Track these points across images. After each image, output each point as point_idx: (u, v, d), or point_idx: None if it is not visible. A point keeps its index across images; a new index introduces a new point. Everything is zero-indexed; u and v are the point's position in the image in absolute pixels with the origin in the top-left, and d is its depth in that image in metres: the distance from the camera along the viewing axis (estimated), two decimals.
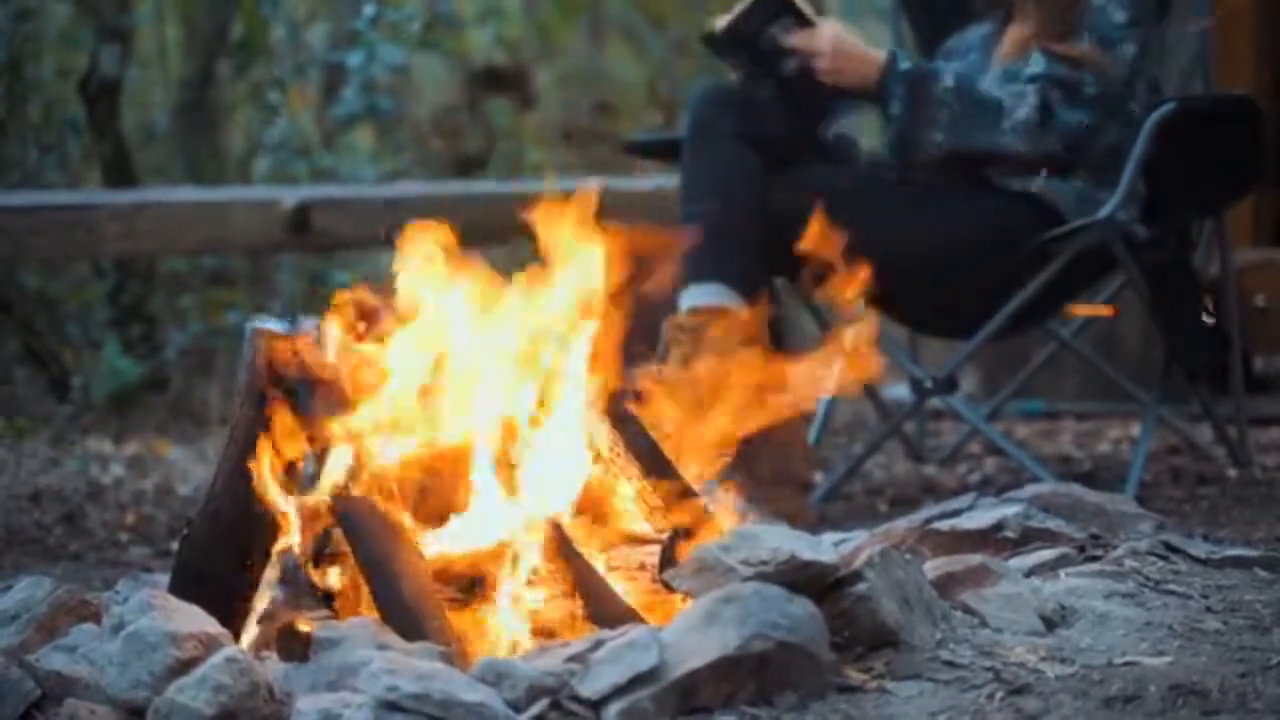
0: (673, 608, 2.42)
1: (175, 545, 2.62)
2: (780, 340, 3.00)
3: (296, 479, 2.49)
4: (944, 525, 2.83)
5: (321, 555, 2.48)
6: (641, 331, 2.59)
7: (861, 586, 2.34)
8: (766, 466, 3.25)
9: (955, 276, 3.88)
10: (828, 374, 2.62)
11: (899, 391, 5.08)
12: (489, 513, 2.46)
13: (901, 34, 4.46)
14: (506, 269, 2.57)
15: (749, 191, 3.85)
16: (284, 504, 2.48)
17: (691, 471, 2.56)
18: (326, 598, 2.46)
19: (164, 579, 2.61)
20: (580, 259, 2.54)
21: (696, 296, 3.72)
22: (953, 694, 2.22)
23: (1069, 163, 3.83)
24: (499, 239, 3.83)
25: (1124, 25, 3.84)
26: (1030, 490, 3.00)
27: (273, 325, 2.49)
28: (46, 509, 4.30)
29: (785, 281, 4.15)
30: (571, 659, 2.18)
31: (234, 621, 2.46)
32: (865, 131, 4.37)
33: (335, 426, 2.44)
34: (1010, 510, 2.86)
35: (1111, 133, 3.84)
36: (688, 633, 2.18)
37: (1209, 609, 2.54)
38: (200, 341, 6.04)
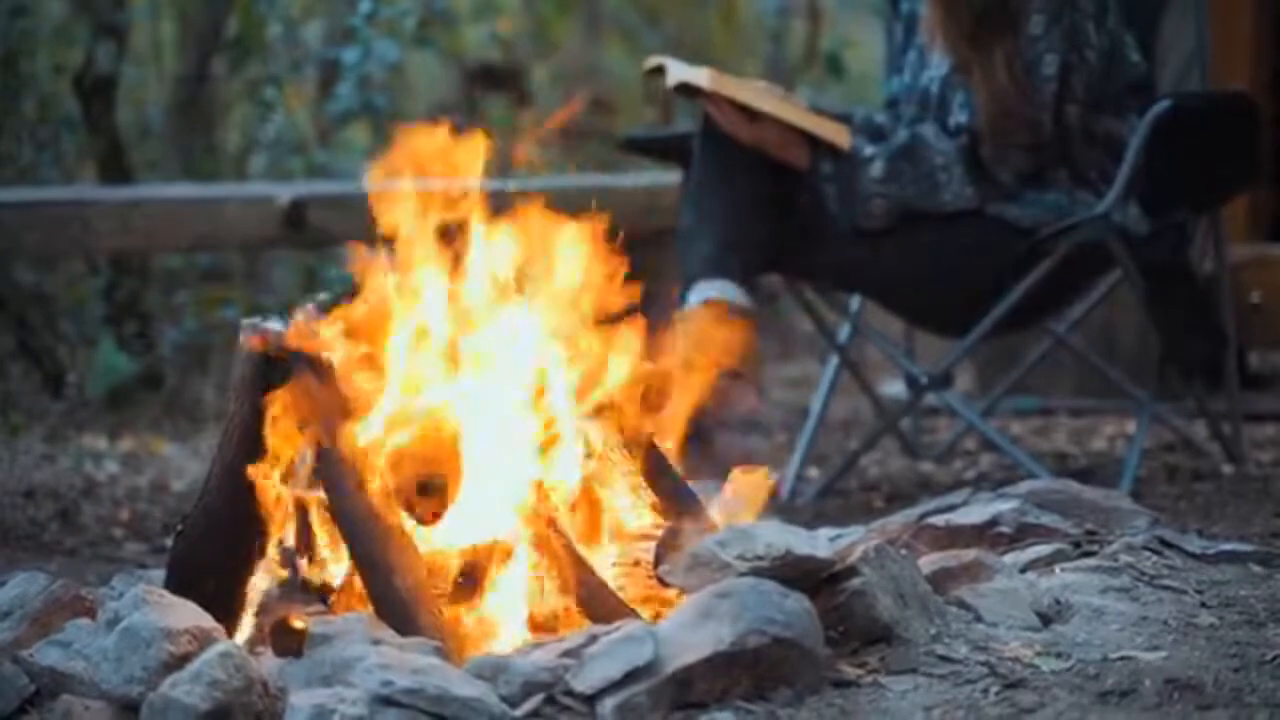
0: (668, 603, 2.42)
1: (170, 541, 2.61)
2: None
3: (291, 474, 2.49)
4: (939, 521, 2.83)
5: (316, 550, 2.48)
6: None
7: (856, 582, 2.34)
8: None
9: (950, 291, 3.92)
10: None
11: (895, 388, 5.08)
12: (484, 508, 2.46)
13: (894, 34, 4.45)
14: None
15: (753, 191, 3.87)
16: (279, 498, 2.48)
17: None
18: (321, 593, 2.46)
19: (159, 575, 2.61)
20: (577, 257, 2.54)
21: (707, 291, 3.76)
22: (947, 688, 2.22)
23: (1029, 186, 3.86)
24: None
25: (1041, 35, 3.84)
26: (1025, 486, 3.01)
27: (274, 325, 2.48)
28: (41, 505, 4.30)
29: (781, 280, 4.17)
30: (566, 654, 2.18)
31: (228, 617, 2.45)
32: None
33: (330, 420, 2.44)
34: (1005, 506, 2.86)
35: (1064, 148, 3.85)
36: (683, 628, 2.18)
37: (1204, 604, 2.55)
38: (195, 338, 6.03)
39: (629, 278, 2.55)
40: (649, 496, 2.48)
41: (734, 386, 3.49)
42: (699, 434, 2.63)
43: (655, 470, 2.49)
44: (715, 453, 2.65)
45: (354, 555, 2.41)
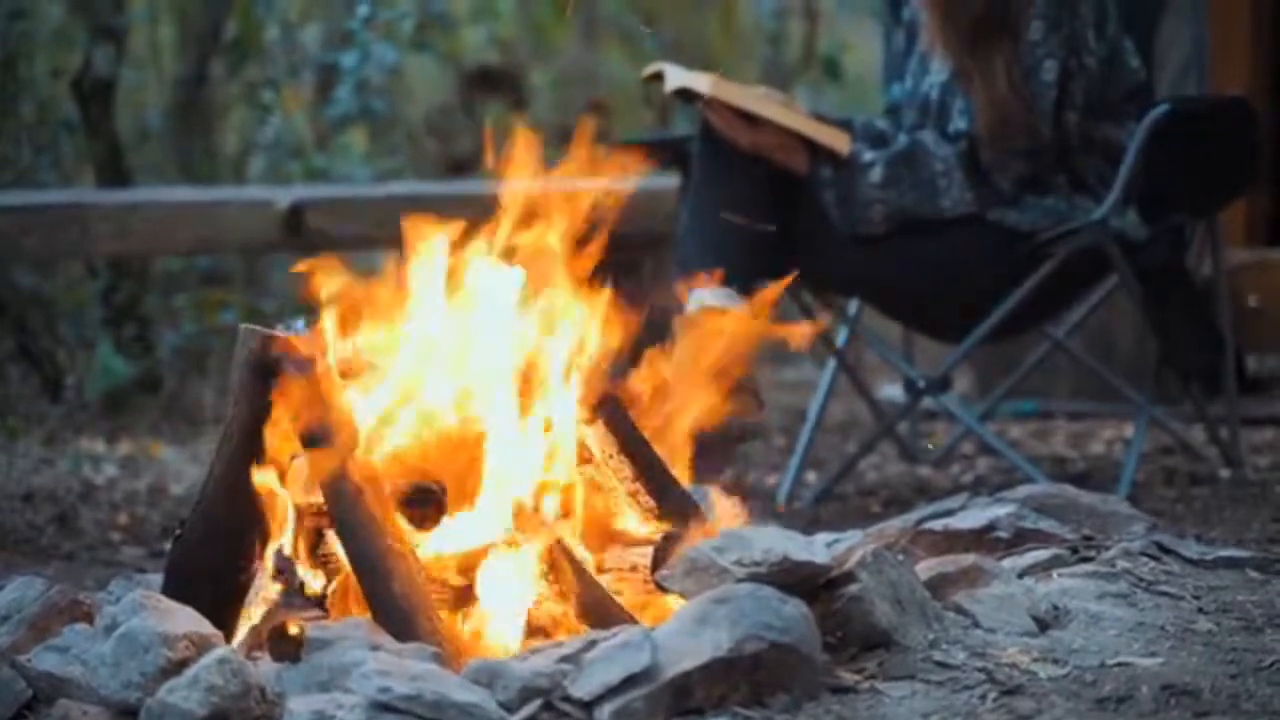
0: (666, 609, 2.42)
1: (168, 546, 2.61)
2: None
3: (290, 479, 2.49)
4: (937, 525, 2.83)
5: (314, 555, 2.48)
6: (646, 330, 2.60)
7: (854, 587, 2.34)
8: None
9: (950, 296, 3.93)
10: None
11: (893, 392, 5.08)
12: (482, 513, 2.46)
13: (892, 34, 4.45)
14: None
15: (752, 196, 3.87)
16: (277, 504, 2.48)
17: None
18: (319, 598, 2.46)
19: (157, 579, 2.61)
20: (573, 261, 2.54)
21: (706, 297, 3.76)
22: (945, 695, 2.22)
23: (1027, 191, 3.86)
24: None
25: (1040, 41, 3.83)
26: (1023, 491, 3.00)
27: (287, 330, 2.48)
28: (39, 509, 4.30)
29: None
30: (564, 659, 2.18)
31: (226, 622, 2.45)
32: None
33: (328, 426, 2.44)
34: (1003, 511, 2.86)
35: (1062, 154, 3.85)
36: (681, 634, 2.18)
37: (1201, 610, 2.55)
38: (194, 341, 6.03)
39: (626, 281, 2.55)
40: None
41: (735, 396, 3.48)
42: (700, 443, 2.63)
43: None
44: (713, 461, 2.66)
45: (352, 560, 2.41)
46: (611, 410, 2.50)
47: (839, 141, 3.88)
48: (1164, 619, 2.49)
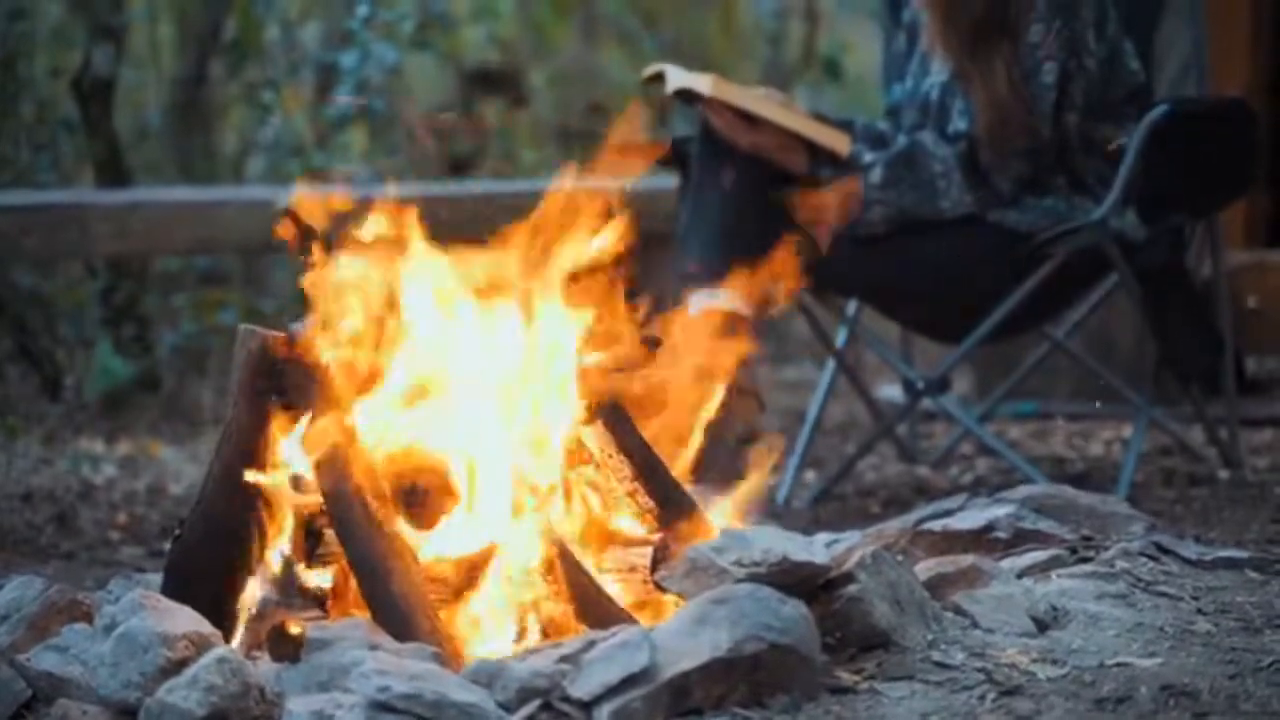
0: (665, 609, 2.42)
1: (167, 545, 2.62)
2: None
3: (288, 479, 2.49)
4: (936, 526, 2.83)
5: (313, 555, 2.48)
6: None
7: (853, 588, 2.35)
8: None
9: (950, 296, 3.93)
10: None
11: (892, 392, 5.08)
12: (481, 513, 2.46)
13: (892, 36, 4.45)
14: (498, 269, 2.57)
15: (752, 197, 3.87)
16: (276, 504, 2.48)
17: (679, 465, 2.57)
18: (318, 598, 2.46)
19: (156, 579, 2.61)
20: (575, 258, 2.54)
21: (706, 299, 3.76)
22: (944, 695, 2.22)
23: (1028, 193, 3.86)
24: (490, 239, 3.84)
25: (1040, 43, 3.83)
26: (1022, 491, 3.01)
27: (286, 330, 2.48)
28: (38, 508, 4.30)
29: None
30: (563, 659, 2.18)
31: (225, 622, 2.46)
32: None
33: (327, 426, 2.44)
34: (1002, 511, 2.86)
35: (1062, 154, 3.86)
36: (680, 634, 2.19)
37: (1200, 610, 2.55)
38: (193, 341, 6.03)
39: (627, 283, 2.55)
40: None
41: (735, 400, 3.49)
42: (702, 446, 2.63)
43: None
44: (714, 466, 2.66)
45: (351, 560, 2.41)
46: (610, 410, 2.50)
47: (839, 142, 3.88)
48: (1163, 619, 2.49)
